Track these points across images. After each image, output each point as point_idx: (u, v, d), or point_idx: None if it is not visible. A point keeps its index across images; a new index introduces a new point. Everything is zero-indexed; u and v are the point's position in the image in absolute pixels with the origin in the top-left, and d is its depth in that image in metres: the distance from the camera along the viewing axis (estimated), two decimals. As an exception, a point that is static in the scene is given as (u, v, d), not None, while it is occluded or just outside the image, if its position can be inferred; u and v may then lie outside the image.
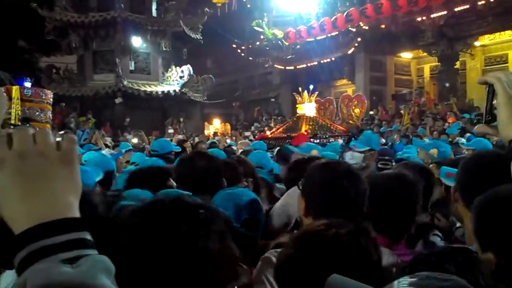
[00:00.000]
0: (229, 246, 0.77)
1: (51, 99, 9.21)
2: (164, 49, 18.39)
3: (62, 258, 0.57)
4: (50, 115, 8.93)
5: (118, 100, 16.79)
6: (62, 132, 14.60)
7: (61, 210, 0.61)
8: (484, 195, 1.14)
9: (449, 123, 11.48)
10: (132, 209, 0.84)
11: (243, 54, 20.33)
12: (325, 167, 1.55)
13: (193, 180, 2.01)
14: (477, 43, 15.49)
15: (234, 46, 20.06)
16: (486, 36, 15.39)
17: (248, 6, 19.42)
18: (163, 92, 17.89)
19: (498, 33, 15.11)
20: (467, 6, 13.09)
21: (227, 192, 1.72)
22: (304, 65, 18.64)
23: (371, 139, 3.66)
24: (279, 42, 18.78)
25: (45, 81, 16.91)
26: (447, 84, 14.78)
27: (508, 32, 14.90)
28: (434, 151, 3.34)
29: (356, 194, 1.46)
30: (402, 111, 13.75)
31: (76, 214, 0.62)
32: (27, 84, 13.19)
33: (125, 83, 17.07)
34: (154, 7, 18.95)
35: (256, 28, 19.11)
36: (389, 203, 1.59)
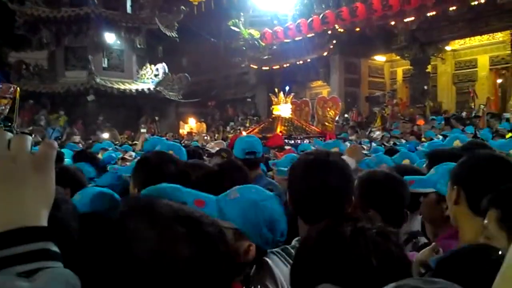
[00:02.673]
0: (215, 255, 0.69)
1: (10, 94, 9.01)
2: (138, 46, 18.15)
3: (19, 270, 0.53)
4: (4, 110, 8.72)
5: (90, 98, 16.46)
6: (30, 128, 14.25)
7: (25, 219, 0.57)
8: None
9: (418, 125, 11.76)
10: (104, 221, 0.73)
11: (219, 54, 20.24)
12: (307, 159, 1.54)
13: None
14: (448, 48, 15.91)
15: (210, 45, 19.95)
16: (457, 41, 15.83)
17: (225, 3, 19.33)
18: (137, 90, 17.64)
19: (468, 38, 15.57)
20: (439, 12, 13.41)
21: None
22: (280, 66, 18.71)
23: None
24: (256, 42, 18.79)
25: (14, 77, 16.41)
26: (425, 87, 15.11)
27: (477, 37, 15.37)
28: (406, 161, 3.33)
29: (337, 183, 1.45)
30: (375, 119, 14.01)
31: (43, 223, 0.59)
32: None
33: (98, 80, 16.76)
34: (128, 3, 18.67)
35: (233, 28, 19.05)
36: (380, 200, 1.68)
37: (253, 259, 1.30)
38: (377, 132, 11.54)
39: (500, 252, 0.92)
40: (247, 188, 1.39)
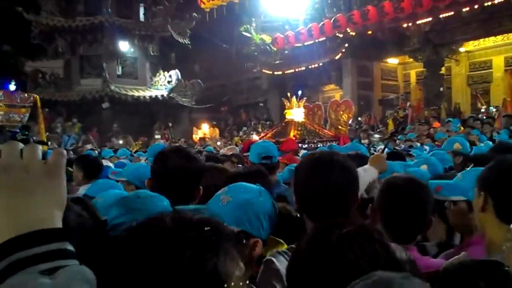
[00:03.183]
0: (238, 264, 0.69)
1: (30, 103, 9.00)
2: (151, 53, 18.36)
3: (41, 269, 0.58)
4: (23, 118, 8.71)
5: (105, 105, 16.68)
6: (46, 134, 14.47)
7: (42, 222, 0.62)
8: None
9: (434, 128, 11.63)
10: (126, 231, 0.71)
11: (231, 59, 20.35)
12: (311, 158, 1.55)
13: (168, 183, 1.76)
14: (462, 49, 15.74)
15: (222, 51, 20.08)
16: (471, 42, 15.65)
17: (236, 9, 19.45)
18: (150, 96, 17.82)
19: (482, 39, 15.38)
20: (452, 13, 13.29)
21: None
22: (292, 70, 18.71)
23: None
24: (267, 47, 18.84)
25: (31, 86, 16.73)
26: (441, 89, 15.00)
27: (492, 38, 15.17)
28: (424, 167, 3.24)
29: (341, 182, 1.45)
30: (388, 121, 13.92)
31: (58, 225, 0.63)
32: (12, 87, 13.05)
33: (112, 87, 16.98)
34: (141, 11, 18.91)
35: (245, 33, 19.15)
36: (401, 206, 1.60)
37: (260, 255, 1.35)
38: (376, 136, 11.43)
39: (506, 268, 0.92)
40: (234, 189, 1.42)
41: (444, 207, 1.91)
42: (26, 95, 9.69)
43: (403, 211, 1.59)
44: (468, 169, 1.87)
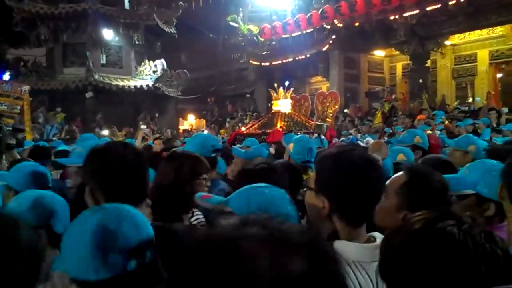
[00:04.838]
0: None
1: (24, 94, 8.80)
2: (136, 42, 18.06)
3: None
4: (18, 109, 8.54)
5: (88, 95, 16.39)
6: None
7: None
8: None
9: (418, 120, 11.70)
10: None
11: (218, 49, 20.18)
12: (341, 156, 1.41)
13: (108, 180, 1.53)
14: (447, 42, 15.85)
15: (209, 41, 19.88)
16: (456, 35, 15.77)
17: (225, 1, 19.28)
18: (135, 86, 17.57)
19: (468, 32, 15.51)
20: (439, 6, 13.35)
21: None
22: (280, 62, 18.65)
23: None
24: (255, 38, 18.72)
25: (12, 75, 16.31)
26: (420, 80, 15.09)
27: (477, 32, 15.31)
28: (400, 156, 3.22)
29: (376, 180, 1.40)
30: (376, 113, 13.93)
31: None
32: (6, 77, 12.76)
33: (96, 77, 16.68)
34: (127, -1, 18.58)
35: (232, 23, 18.98)
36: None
37: None
38: (368, 138, 11.47)
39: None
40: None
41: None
42: (16, 84, 9.47)
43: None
44: (473, 162, 1.86)
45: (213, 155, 2.69)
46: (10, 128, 5.28)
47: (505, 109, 11.41)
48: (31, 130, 9.07)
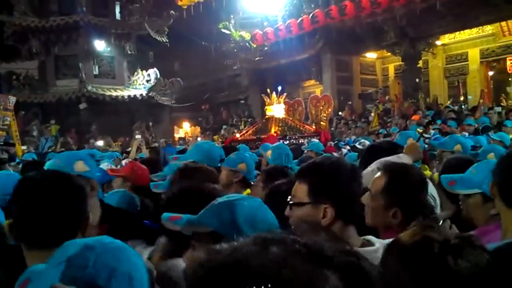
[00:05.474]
0: None
1: (12, 105, 8.79)
2: (129, 52, 18.08)
3: None
4: (8, 120, 8.51)
5: (82, 106, 16.36)
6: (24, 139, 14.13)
7: None
8: None
9: (412, 120, 11.76)
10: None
11: (210, 57, 20.21)
12: (337, 163, 1.49)
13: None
14: (438, 42, 15.98)
15: (201, 48, 19.91)
16: (447, 35, 15.90)
17: (214, 6, 19.31)
18: (129, 96, 17.56)
19: (458, 32, 15.64)
20: (428, 6, 13.45)
21: None
22: (272, 67, 18.71)
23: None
24: (247, 44, 18.77)
25: (5, 88, 16.27)
26: (416, 80, 15.18)
27: (467, 31, 15.44)
28: None
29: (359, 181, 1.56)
30: (372, 114, 13.96)
31: None
32: None
33: (89, 88, 16.67)
34: (117, 10, 18.59)
35: (223, 30, 19.02)
36: None
37: None
38: (364, 141, 11.51)
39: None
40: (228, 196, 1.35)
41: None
42: (3, 96, 9.40)
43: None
44: (480, 162, 1.95)
45: (219, 165, 2.65)
46: (1, 143, 5.24)
47: (498, 108, 11.50)
48: (18, 141, 8.95)
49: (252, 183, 2.86)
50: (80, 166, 2.04)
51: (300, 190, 1.43)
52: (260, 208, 1.27)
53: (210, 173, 2.15)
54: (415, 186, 1.70)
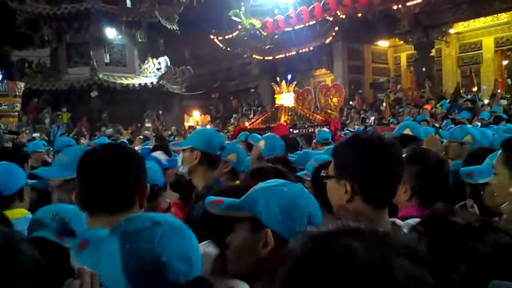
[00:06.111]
0: None
1: (21, 91, 8.90)
2: (139, 40, 18.08)
3: None
4: (19, 107, 8.63)
5: (93, 94, 16.46)
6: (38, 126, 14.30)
7: None
8: None
9: (424, 109, 11.61)
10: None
11: (221, 45, 20.12)
12: (359, 138, 1.47)
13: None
14: (452, 31, 15.69)
15: (211, 36, 19.83)
16: (461, 23, 15.60)
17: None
18: (140, 84, 17.61)
19: (472, 20, 15.33)
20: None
21: None
22: (283, 55, 18.58)
23: None
24: (257, 32, 18.64)
25: (17, 76, 16.43)
26: (423, 69, 14.98)
27: (481, 19, 15.13)
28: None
29: (400, 163, 1.43)
30: (383, 104, 13.80)
31: None
32: None
33: (101, 76, 16.75)
34: (128, -3, 18.57)
35: (234, 18, 18.91)
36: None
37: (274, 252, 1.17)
38: (372, 118, 11.43)
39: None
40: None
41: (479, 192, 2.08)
42: (11, 83, 9.50)
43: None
44: (494, 152, 2.03)
45: (219, 153, 2.50)
46: (6, 131, 5.27)
47: (504, 101, 11.36)
48: (35, 130, 9.05)
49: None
50: None
51: (331, 165, 1.47)
52: (300, 195, 1.24)
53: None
54: (428, 166, 1.76)
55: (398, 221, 1.48)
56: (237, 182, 2.68)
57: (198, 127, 14.88)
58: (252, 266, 1.21)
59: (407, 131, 3.42)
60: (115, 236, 0.93)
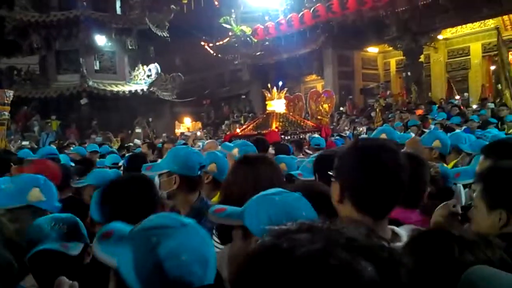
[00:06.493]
0: None
1: (10, 99, 8.71)
2: (130, 47, 18.03)
3: None
4: (7, 115, 8.46)
5: (83, 101, 16.36)
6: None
7: None
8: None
9: (417, 115, 11.71)
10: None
11: (211, 51, 20.15)
12: (359, 143, 1.45)
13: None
14: (440, 37, 15.89)
15: (202, 43, 19.86)
16: (449, 29, 15.81)
17: (216, 3, 19.26)
18: (130, 91, 17.55)
19: (460, 26, 15.54)
20: (430, 0, 13.37)
21: None
22: (274, 61, 18.66)
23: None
24: (248, 38, 18.71)
25: (6, 83, 16.26)
26: (408, 73, 15.17)
27: (469, 25, 15.35)
28: None
29: (396, 167, 1.32)
30: (375, 110, 13.89)
31: None
32: None
33: (90, 83, 16.65)
34: (118, 4, 18.54)
35: (224, 25, 18.97)
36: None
37: None
38: (364, 128, 11.51)
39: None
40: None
41: None
42: (5, 91, 9.36)
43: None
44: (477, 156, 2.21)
45: (199, 173, 2.26)
46: None
47: (491, 104, 11.50)
48: (24, 138, 8.91)
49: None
50: (35, 195, 1.89)
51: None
52: (293, 204, 1.22)
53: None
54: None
55: (396, 229, 1.41)
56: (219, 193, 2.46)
57: (189, 134, 14.84)
58: None
59: (383, 136, 3.45)
60: (133, 232, 0.95)
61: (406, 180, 1.33)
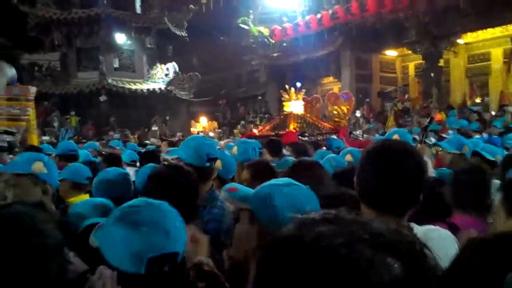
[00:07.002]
0: None
1: (33, 95, 8.88)
2: (148, 46, 18.23)
3: None
4: (30, 111, 8.59)
5: (102, 98, 16.57)
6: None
7: None
8: None
9: (436, 120, 11.57)
10: None
11: (229, 52, 20.24)
12: (376, 145, 1.43)
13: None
14: (460, 41, 15.68)
15: (219, 43, 19.96)
16: (469, 34, 15.58)
17: (234, 0, 19.33)
18: (148, 90, 17.72)
19: (481, 31, 15.31)
20: (451, 4, 13.23)
21: None
22: (291, 63, 18.64)
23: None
24: (265, 39, 18.75)
25: (27, 79, 16.57)
26: (431, 74, 14.97)
27: (490, 30, 15.10)
28: None
29: (414, 168, 1.32)
30: (387, 112, 13.80)
31: None
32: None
33: (110, 81, 16.87)
34: (138, 3, 18.74)
35: (242, 26, 19.03)
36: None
37: None
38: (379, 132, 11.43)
39: None
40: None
41: None
42: (23, 87, 9.55)
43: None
44: None
45: (207, 164, 2.32)
46: (1, 131, 5.29)
47: (511, 108, 11.28)
48: (34, 131, 8.97)
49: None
50: (38, 167, 2.12)
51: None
52: (300, 196, 1.26)
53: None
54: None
55: (412, 224, 1.40)
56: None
57: (201, 133, 14.94)
58: (248, 254, 1.27)
59: (396, 137, 3.43)
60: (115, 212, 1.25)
61: (415, 177, 1.32)
